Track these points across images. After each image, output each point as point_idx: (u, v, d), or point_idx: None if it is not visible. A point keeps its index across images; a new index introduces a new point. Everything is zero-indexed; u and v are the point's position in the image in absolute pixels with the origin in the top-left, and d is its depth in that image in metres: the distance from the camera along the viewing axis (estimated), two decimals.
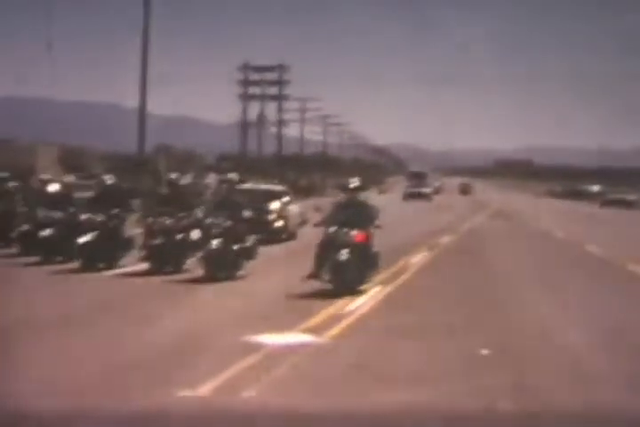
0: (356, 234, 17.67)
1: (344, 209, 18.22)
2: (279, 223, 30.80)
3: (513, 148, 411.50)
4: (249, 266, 20.03)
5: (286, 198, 32.73)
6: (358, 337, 13.15)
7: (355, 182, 18.73)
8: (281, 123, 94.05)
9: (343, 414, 8.97)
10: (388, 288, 18.64)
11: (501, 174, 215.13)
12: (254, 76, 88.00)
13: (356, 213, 17.99)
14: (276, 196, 32.40)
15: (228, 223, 19.55)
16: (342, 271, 17.26)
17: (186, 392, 9.35)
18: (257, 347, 11.87)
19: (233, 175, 22.86)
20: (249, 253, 19.91)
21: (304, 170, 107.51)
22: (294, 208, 33.11)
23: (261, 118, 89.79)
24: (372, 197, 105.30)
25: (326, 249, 17.53)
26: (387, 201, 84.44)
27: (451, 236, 35.48)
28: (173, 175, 23.30)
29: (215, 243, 19.19)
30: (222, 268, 19.22)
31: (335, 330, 13.47)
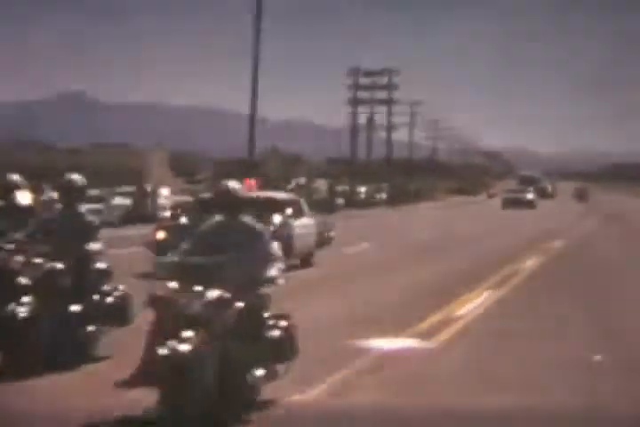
0: (217, 297, 8.40)
1: (209, 242, 9.06)
2: None
3: (626, 151, 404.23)
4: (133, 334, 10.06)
5: (290, 210, 24.37)
6: (467, 341, 13.07)
7: (233, 187, 9.10)
8: (390, 127, 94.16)
9: (450, 416, 8.92)
10: (498, 292, 18.47)
11: (616, 178, 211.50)
12: (364, 81, 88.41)
13: (232, 252, 8.88)
14: (277, 206, 24.03)
15: (50, 266, 10.79)
16: (181, 378, 8.00)
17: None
18: (365, 351, 11.88)
19: (75, 176, 11.57)
20: (114, 317, 11.11)
21: (413, 174, 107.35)
22: (305, 223, 24.77)
23: (371, 123, 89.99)
24: (481, 200, 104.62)
25: (161, 328, 8.48)
26: (496, 203, 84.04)
27: (563, 240, 35.01)
28: (15, 176, 12.44)
29: (23, 302, 10.52)
30: (43, 349, 10.38)
31: (445, 334, 13.38)
